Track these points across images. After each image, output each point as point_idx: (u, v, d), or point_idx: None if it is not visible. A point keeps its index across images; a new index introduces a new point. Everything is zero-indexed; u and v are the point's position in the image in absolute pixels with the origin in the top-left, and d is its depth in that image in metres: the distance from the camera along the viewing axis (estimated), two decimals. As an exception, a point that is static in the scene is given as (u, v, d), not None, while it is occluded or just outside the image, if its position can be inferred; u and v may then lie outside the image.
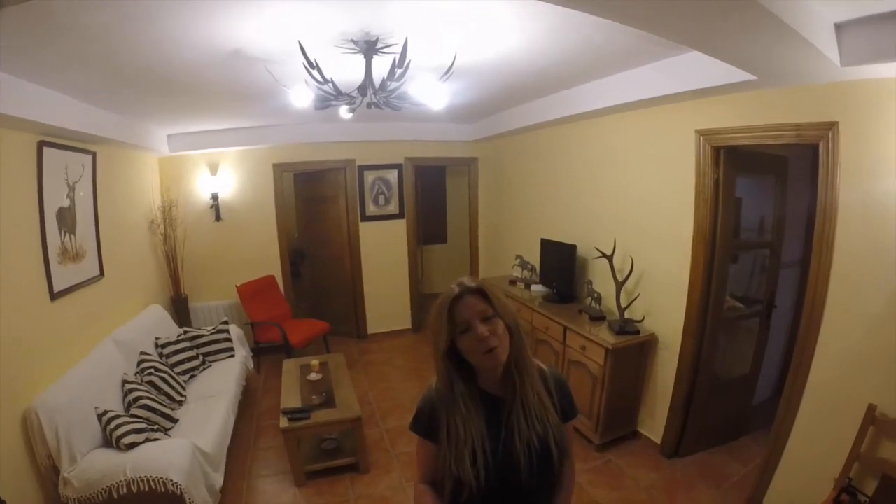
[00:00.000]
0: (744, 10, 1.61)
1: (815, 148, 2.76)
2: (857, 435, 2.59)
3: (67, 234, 3.53)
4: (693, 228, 3.59)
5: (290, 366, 4.70)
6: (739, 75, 2.58)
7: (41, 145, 3.23)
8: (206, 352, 4.80)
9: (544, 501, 1.54)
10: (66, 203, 3.55)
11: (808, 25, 1.89)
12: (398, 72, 2.57)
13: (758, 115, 3.02)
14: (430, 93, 3.05)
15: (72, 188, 3.63)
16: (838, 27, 2.08)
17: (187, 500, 2.87)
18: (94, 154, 3.94)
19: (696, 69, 2.94)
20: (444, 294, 1.45)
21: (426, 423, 1.50)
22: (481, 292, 1.42)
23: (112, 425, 3.09)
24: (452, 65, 2.69)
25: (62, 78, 2.85)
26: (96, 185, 4.00)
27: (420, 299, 7.44)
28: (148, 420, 3.35)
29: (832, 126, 2.58)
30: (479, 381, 1.49)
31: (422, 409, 1.53)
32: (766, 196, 3.90)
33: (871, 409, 2.54)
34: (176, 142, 5.39)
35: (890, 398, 2.50)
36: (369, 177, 6.65)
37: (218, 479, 3.35)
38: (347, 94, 2.86)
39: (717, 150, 3.38)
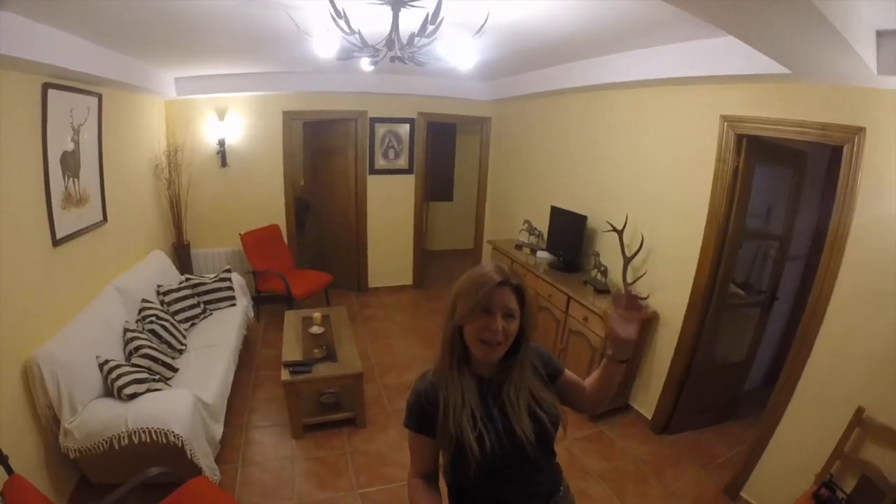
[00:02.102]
0: (791, 3, 1.54)
1: (834, 148, 2.70)
2: (843, 434, 2.65)
3: (71, 179, 3.46)
4: (707, 213, 3.55)
5: (291, 318, 4.71)
6: (773, 67, 2.49)
7: (46, 87, 3.12)
8: (208, 300, 4.81)
9: (552, 469, 1.62)
10: (71, 147, 3.47)
11: (852, 28, 1.80)
12: (430, 28, 2.48)
13: (784, 108, 2.94)
14: (459, 52, 2.90)
15: (76, 132, 3.54)
16: (880, 34, 2.01)
17: (188, 452, 2.92)
18: (99, 96, 3.83)
19: (727, 54, 2.84)
20: (480, 271, 1.47)
21: (418, 417, 1.52)
22: (519, 292, 1.46)
23: (113, 375, 3.10)
24: (485, 23, 2.58)
25: (69, 17, 2.72)
26: (101, 128, 3.90)
27: (423, 256, 7.45)
28: (149, 370, 3.38)
29: (859, 131, 2.53)
30: (471, 361, 1.53)
31: (413, 404, 1.54)
32: (780, 187, 3.84)
33: (860, 410, 2.59)
34: (184, 85, 5.24)
35: (878, 403, 2.55)
36: (380, 130, 6.53)
37: (218, 431, 3.41)
38: (373, 47, 2.76)
39: (739, 138, 3.30)
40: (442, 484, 1.61)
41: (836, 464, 2.70)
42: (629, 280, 4.07)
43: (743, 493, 3.31)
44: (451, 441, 1.43)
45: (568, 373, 1.67)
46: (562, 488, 1.62)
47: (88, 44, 3.28)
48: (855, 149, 2.55)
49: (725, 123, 3.34)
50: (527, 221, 5.87)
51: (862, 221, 2.59)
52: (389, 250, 7.07)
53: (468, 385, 1.47)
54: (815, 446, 2.81)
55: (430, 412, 1.48)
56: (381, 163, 6.67)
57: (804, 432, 2.95)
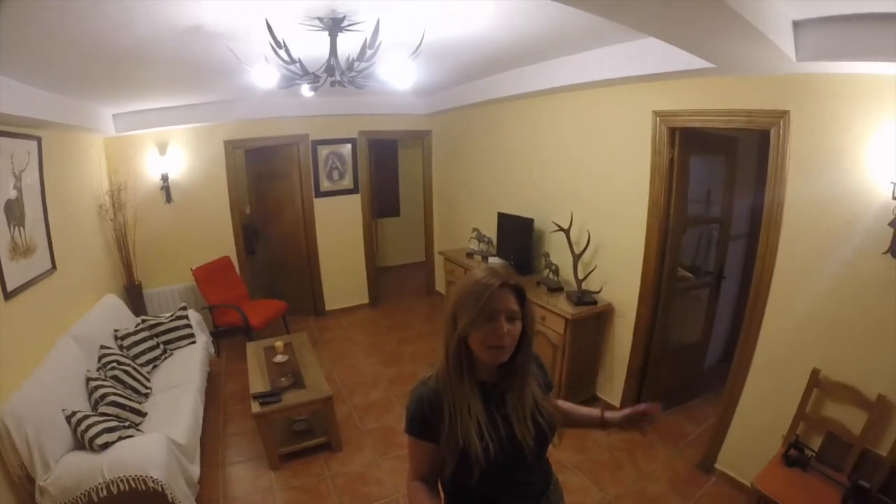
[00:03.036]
0: (704, 5, 1.68)
1: (763, 131, 2.92)
2: (803, 396, 2.85)
3: (17, 228, 3.34)
4: (648, 204, 3.75)
5: (253, 349, 4.65)
6: (698, 62, 2.68)
7: (-16, 134, 3.03)
8: (167, 340, 4.69)
9: (545, 476, 1.66)
10: (14, 194, 3.35)
11: (768, 21, 1.98)
12: (369, 52, 2.54)
13: (713, 99, 3.16)
14: (398, 72, 2.98)
15: (18, 178, 3.42)
16: (796, 24, 2.20)
17: (169, 496, 2.86)
18: (39, 139, 3.71)
19: (655, 54, 3.02)
20: (476, 277, 1.45)
21: (420, 423, 1.51)
22: (520, 292, 1.46)
23: (82, 426, 3.00)
24: (421, 43, 2.67)
25: (2, 60, 2.63)
26: (43, 172, 3.77)
27: (377, 273, 7.46)
28: (117, 417, 3.28)
29: (784, 115, 2.74)
30: (475, 367, 1.51)
31: (414, 411, 1.53)
32: (715, 172, 4.08)
33: (815, 372, 2.80)
34: (122, 121, 5.11)
35: (831, 362, 2.76)
36: (323, 151, 6.53)
37: (195, 471, 3.34)
38: (313, 74, 2.80)
39: (672, 131, 3.51)
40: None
41: (801, 425, 2.90)
42: (580, 276, 4.22)
43: (717, 466, 3.49)
44: (455, 449, 1.44)
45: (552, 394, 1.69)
46: (551, 485, 1.68)
47: (23, 86, 3.19)
48: (781, 131, 2.77)
49: (658, 118, 3.55)
50: (475, 229, 5.99)
51: (795, 196, 2.81)
52: (343, 271, 7.04)
53: (473, 395, 1.47)
54: (778, 411, 3.00)
55: (432, 418, 1.48)
56: (326, 184, 6.66)
57: (766, 399, 3.14)
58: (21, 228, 3.40)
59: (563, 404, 1.79)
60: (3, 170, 3.25)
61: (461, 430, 1.43)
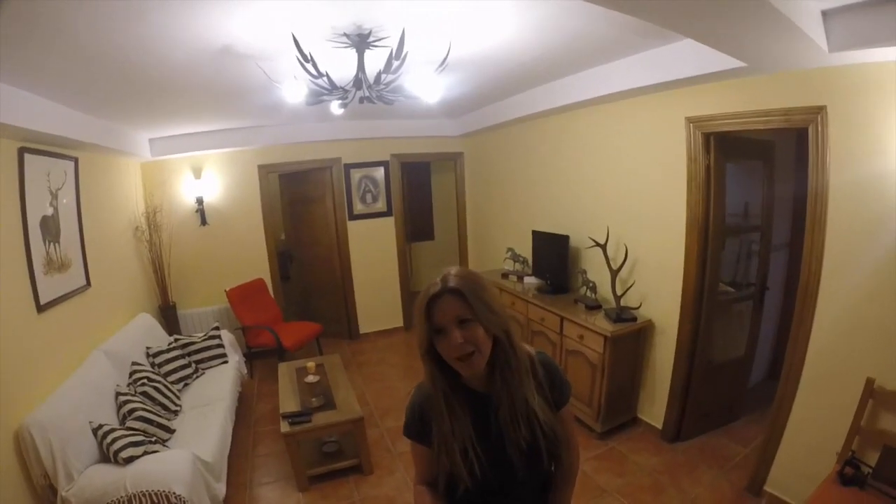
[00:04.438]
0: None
1: (800, 132, 2.79)
2: (857, 408, 2.63)
3: (52, 244, 3.45)
4: (686, 215, 3.61)
5: (285, 369, 4.65)
6: (729, 62, 2.61)
7: (22, 152, 3.15)
8: (199, 359, 4.73)
9: (538, 488, 1.55)
10: (50, 211, 3.47)
11: (798, 12, 1.92)
12: (395, 63, 2.54)
13: (746, 101, 3.05)
14: (425, 85, 2.99)
15: (54, 196, 3.55)
16: (825, 14, 2.12)
17: (191, 513, 2.83)
18: (76, 160, 3.86)
19: (685, 58, 2.96)
20: (426, 287, 1.40)
21: (417, 427, 1.49)
22: (460, 293, 1.33)
23: (108, 439, 3.02)
24: (447, 56, 2.67)
25: (43, 81, 2.77)
26: (79, 191, 3.91)
27: (410, 297, 7.41)
28: (144, 432, 3.28)
29: (821, 110, 2.62)
30: (462, 380, 1.45)
31: (411, 415, 1.52)
32: (752, 181, 3.93)
33: (870, 382, 2.59)
34: (158, 146, 5.30)
35: (886, 371, 2.55)
36: (356, 175, 6.60)
37: (221, 489, 3.31)
38: (341, 88, 2.83)
39: (707, 137, 3.40)
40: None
41: (856, 440, 2.67)
42: (619, 292, 4.08)
43: (766, 488, 3.26)
44: (443, 465, 1.42)
45: (567, 412, 1.56)
46: None
47: (63, 108, 3.33)
48: (819, 128, 2.64)
49: (691, 125, 3.44)
50: (510, 249, 5.89)
51: (838, 197, 2.65)
52: (377, 295, 7.03)
53: (458, 413, 1.41)
54: (831, 426, 2.79)
55: (423, 424, 1.47)
56: (359, 207, 6.71)
57: (818, 414, 2.93)
58: (56, 245, 3.50)
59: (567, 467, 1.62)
60: (39, 187, 3.36)
61: (446, 451, 1.39)
